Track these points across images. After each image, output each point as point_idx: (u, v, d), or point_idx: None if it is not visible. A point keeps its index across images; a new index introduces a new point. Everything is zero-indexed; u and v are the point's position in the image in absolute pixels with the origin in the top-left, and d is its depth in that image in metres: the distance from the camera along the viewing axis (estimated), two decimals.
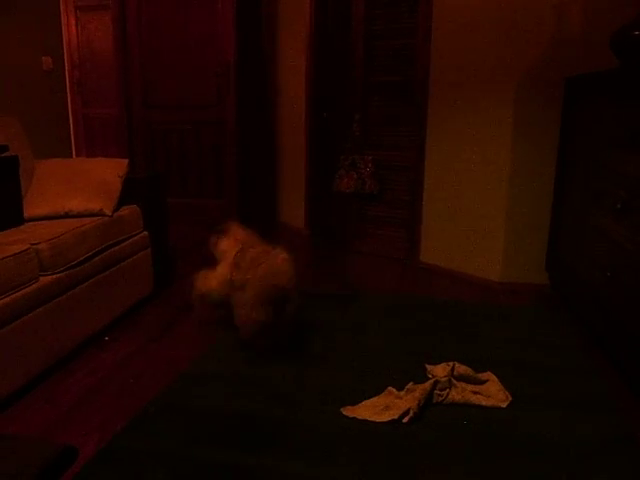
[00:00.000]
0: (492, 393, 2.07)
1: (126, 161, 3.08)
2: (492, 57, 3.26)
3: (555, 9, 3.06)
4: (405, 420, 1.90)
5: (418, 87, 3.67)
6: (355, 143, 4.07)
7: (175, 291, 3.28)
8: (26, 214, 2.70)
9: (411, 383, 2.09)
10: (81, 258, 2.47)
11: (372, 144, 4.03)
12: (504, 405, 2.01)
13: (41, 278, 2.25)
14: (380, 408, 1.97)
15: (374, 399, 2.03)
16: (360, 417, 1.92)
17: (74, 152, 5.56)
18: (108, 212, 2.76)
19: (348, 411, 1.96)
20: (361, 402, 2.01)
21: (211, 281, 2.53)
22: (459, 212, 3.56)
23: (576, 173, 2.89)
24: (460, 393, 2.05)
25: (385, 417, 1.92)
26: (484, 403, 2.02)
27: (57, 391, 2.17)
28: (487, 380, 2.14)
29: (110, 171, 2.95)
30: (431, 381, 2.06)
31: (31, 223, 2.65)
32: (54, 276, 2.30)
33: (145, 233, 3.05)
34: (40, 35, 4.00)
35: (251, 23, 4.73)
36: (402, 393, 2.04)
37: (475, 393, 2.06)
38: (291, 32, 4.56)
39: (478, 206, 3.45)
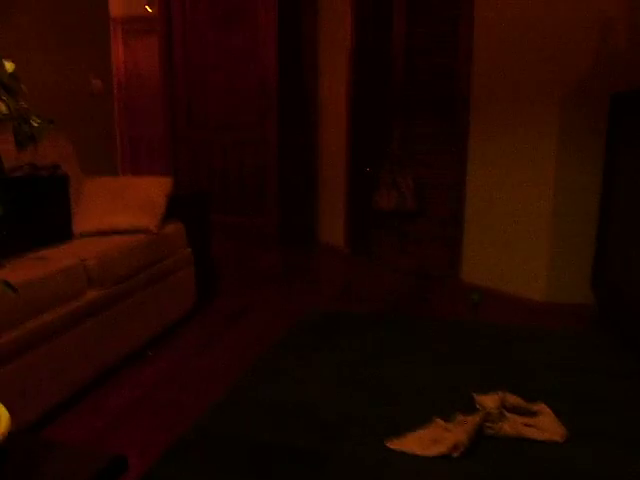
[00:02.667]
0: (546, 426, 1.94)
1: (171, 179, 3.15)
2: (535, 73, 3.23)
3: (600, 24, 3.02)
4: (455, 455, 1.80)
5: (460, 104, 3.66)
6: (395, 160, 4.07)
7: (217, 307, 3.33)
8: (75, 230, 2.79)
9: (459, 414, 1.99)
10: (127, 274, 2.53)
11: (413, 161, 4.02)
12: (561, 440, 1.89)
13: (88, 292, 2.31)
14: (428, 441, 1.86)
15: (420, 431, 1.92)
16: (407, 450, 1.83)
17: (120, 170, 5.70)
18: (154, 229, 2.82)
19: (394, 444, 1.86)
20: (406, 434, 1.91)
21: None
22: (501, 229, 3.52)
23: (623, 190, 2.82)
24: (513, 426, 1.93)
25: (434, 451, 1.82)
26: (539, 437, 1.90)
27: (103, 402, 2.22)
28: (539, 411, 2.02)
29: (155, 189, 3.02)
30: (482, 413, 1.95)
31: (79, 239, 2.73)
32: (101, 291, 2.37)
33: (188, 250, 3.11)
34: (91, 58, 4.15)
35: (292, 44, 4.81)
36: (450, 425, 1.93)
37: (528, 426, 1.94)
38: (332, 51, 4.62)
39: (521, 223, 3.40)
